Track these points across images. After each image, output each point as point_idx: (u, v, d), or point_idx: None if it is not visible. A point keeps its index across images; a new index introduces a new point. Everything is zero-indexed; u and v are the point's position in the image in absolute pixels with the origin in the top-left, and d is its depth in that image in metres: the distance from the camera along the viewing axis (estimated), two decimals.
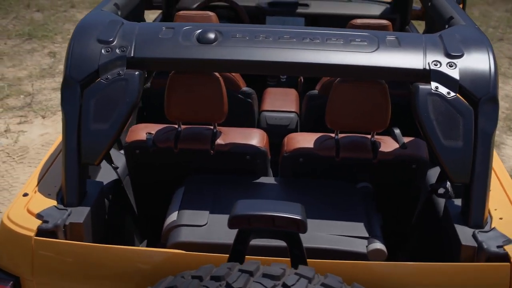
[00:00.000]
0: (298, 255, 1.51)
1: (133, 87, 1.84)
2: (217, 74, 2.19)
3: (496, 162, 2.06)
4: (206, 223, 1.87)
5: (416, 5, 3.75)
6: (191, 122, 2.25)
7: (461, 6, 3.14)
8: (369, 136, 2.16)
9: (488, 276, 1.59)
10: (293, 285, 1.34)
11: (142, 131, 2.25)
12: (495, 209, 1.82)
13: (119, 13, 2.27)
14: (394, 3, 3.73)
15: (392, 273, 1.62)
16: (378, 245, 1.82)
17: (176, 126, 2.23)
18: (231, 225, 1.49)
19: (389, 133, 2.18)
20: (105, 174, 2.19)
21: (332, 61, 1.88)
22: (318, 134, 2.23)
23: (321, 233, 1.85)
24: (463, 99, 1.78)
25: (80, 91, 1.86)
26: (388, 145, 2.16)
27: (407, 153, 2.12)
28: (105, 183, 2.07)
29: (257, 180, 2.18)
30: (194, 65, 1.97)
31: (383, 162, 2.11)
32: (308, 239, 1.70)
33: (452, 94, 1.79)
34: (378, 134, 2.17)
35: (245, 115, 2.82)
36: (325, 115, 2.14)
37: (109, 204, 2.10)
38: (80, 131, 1.82)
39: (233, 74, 2.86)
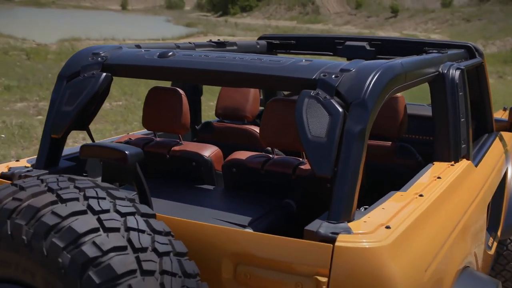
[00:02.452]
0: (145, 202, 1.91)
1: (96, 83, 2.34)
2: (180, 90, 2.64)
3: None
4: None
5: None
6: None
7: None
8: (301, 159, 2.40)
9: (312, 253, 1.76)
10: (83, 187, 1.68)
11: (128, 138, 2.79)
12: (369, 217, 1.93)
13: None
14: None
15: (225, 237, 1.88)
16: (248, 229, 2.02)
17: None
18: (79, 153, 1.99)
19: None
20: None
21: (237, 69, 2.20)
22: (261, 154, 2.53)
23: (213, 219, 2.11)
24: (336, 103, 1.96)
25: (66, 84, 2.40)
26: None
27: None
28: None
29: (197, 185, 2.55)
30: (146, 71, 2.42)
31: (300, 178, 2.33)
32: (196, 217, 2.03)
33: (328, 97, 1.97)
34: None
35: None
36: (259, 134, 2.43)
37: None
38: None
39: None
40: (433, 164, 2.67)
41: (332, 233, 1.78)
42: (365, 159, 2.25)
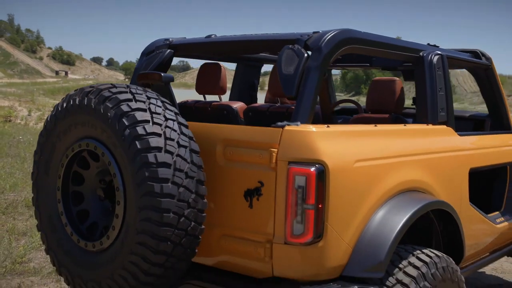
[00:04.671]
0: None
1: (162, 55, 3.56)
2: (221, 63, 3.73)
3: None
4: None
5: None
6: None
7: None
8: None
9: (270, 135, 2.69)
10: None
11: (186, 100, 3.93)
12: (320, 124, 2.88)
13: None
14: None
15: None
16: None
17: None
18: (137, 79, 3.14)
19: None
20: None
21: (252, 38, 3.34)
22: (269, 103, 3.58)
23: None
24: (304, 49, 2.92)
25: (145, 58, 3.64)
26: None
27: None
28: None
29: None
30: (196, 47, 3.64)
31: (291, 114, 3.23)
32: None
33: (299, 48, 2.91)
34: None
35: None
36: (268, 89, 3.45)
37: None
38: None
39: None
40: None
41: (286, 124, 2.71)
42: None
